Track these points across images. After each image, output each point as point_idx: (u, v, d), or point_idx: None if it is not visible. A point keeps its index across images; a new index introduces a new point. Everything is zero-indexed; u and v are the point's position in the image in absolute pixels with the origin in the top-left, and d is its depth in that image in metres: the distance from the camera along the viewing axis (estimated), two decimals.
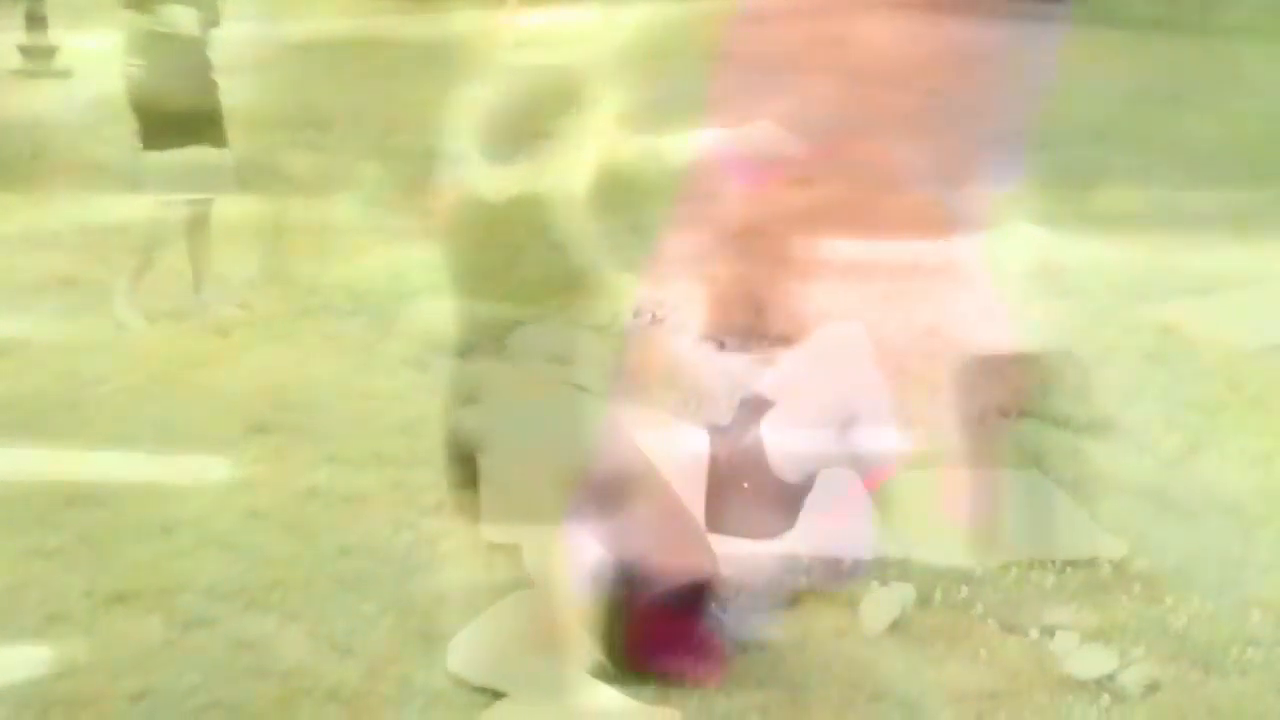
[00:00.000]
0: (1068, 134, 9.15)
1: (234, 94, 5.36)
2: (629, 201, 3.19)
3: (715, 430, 3.11)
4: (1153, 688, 2.92)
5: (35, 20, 11.94)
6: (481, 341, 2.86)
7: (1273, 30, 11.94)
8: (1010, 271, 3.64)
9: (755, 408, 3.09)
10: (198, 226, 5.27)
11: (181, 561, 3.33)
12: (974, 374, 3.69)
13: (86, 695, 2.79)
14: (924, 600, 3.23)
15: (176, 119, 4.99)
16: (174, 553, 3.37)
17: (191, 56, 5.06)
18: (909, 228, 5.51)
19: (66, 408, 4.29)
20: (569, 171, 2.84)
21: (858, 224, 5.09)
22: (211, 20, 5.12)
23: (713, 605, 2.86)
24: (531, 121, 2.83)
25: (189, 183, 5.10)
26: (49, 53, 11.93)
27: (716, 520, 3.03)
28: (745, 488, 2.99)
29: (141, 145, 5.06)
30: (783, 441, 2.99)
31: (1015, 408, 4.28)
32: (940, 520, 3.50)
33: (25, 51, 11.84)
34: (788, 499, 3.03)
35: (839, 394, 3.04)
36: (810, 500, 3.18)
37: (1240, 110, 9.92)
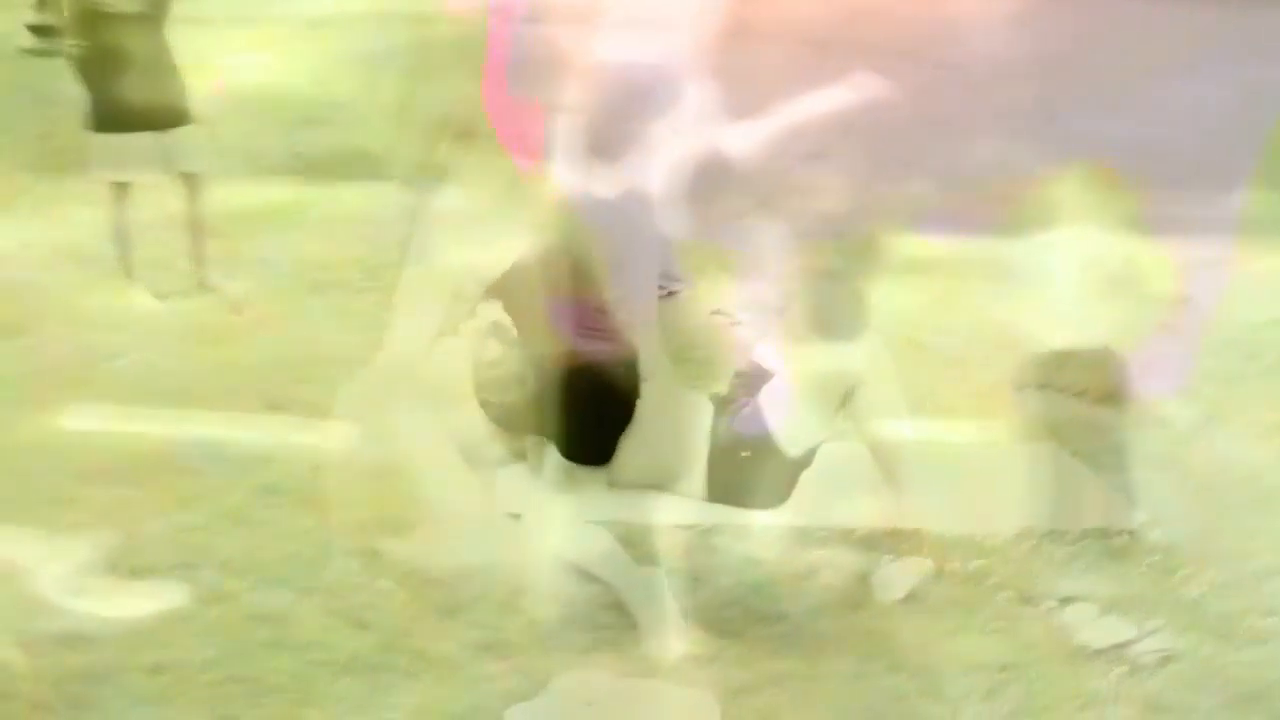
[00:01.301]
0: (1080, 104, 9.06)
1: (247, 73, 5.33)
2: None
3: (716, 399, 3.11)
4: (1169, 658, 2.92)
5: None
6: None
7: None
8: (1064, 268, 3.61)
9: (755, 377, 3.09)
10: (190, 205, 5.25)
11: (199, 536, 3.34)
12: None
13: (105, 668, 2.82)
14: (939, 572, 3.23)
15: (125, 100, 4.88)
16: (191, 527, 3.39)
17: (138, 34, 4.90)
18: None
19: (82, 383, 4.30)
20: (666, 167, 2.91)
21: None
22: None
23: None
24: (631, 121, 2.91)
25: (139, 165, 5.04)
26: (58, 30, 11.91)
27: (717, 489, 3.04)
28: (745, 457, 2.99)
29: (88, 126, 4.96)
30: (783, 411, 2.99)
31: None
32: (955, 491, 3.50)
33: (34, 30, 11.82)
34: (788, 470, 3.03)
35: (839, 363, 3.03)
36: (814, 472, 3.19)
37: (1255, 78, 9.82)
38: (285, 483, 3.62)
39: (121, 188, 5.10)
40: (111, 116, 4.92)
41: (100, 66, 4.89)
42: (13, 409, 4.09)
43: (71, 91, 5.02)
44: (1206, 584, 3.20)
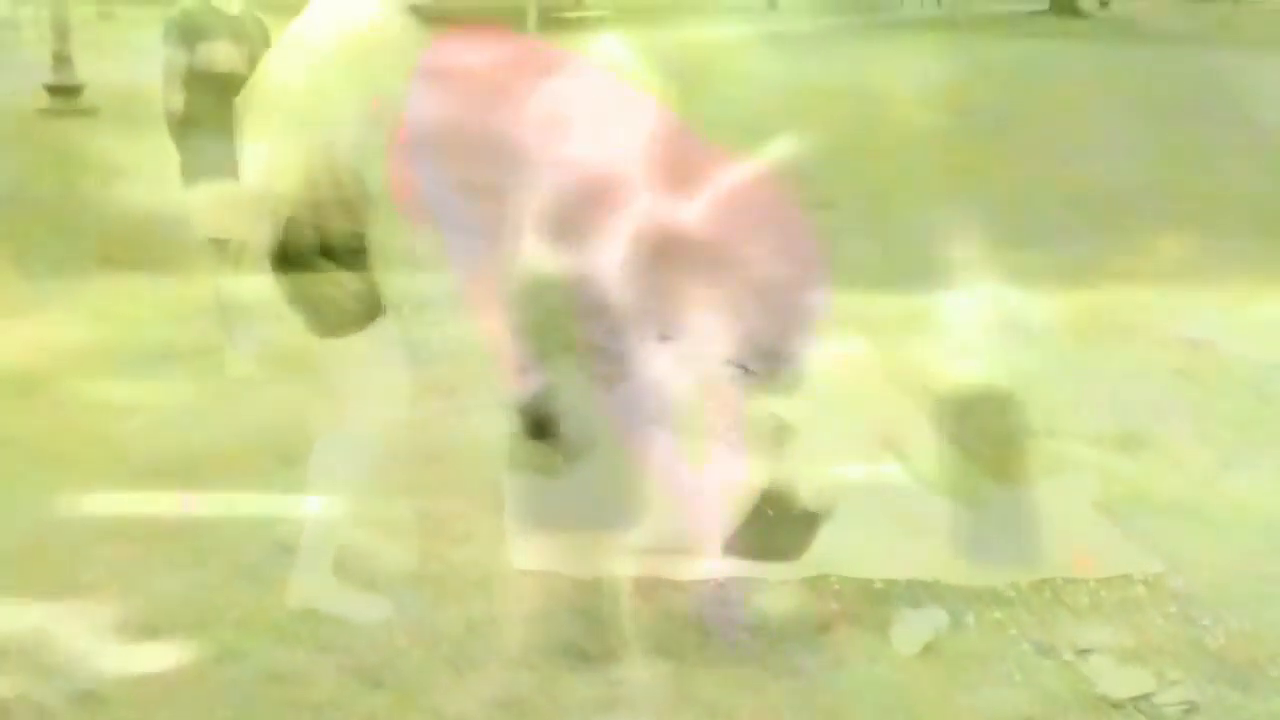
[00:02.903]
0: (1088, 148, 9.11)
1: None
2: None
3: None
4: (1191, 709, 2.88)
5: (61, 60, 12.13)
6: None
7: None
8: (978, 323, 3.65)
9: (780, 433, 3.10)
10: (235, 262, 5.28)
11: (212, 594, 3.34)
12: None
13: None
14: (957, 623, 3.20)
15: (216, 154, 4.98)
16: (205, 585, 3.38)
17: (233, 92, 5.04)
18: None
19: (96, 441, 4.31)
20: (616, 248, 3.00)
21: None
22: (258, 54, 5.10)
23: None
24: (587, 212, 3.00)
25: (233, 222, 5.08)
26: (75, 91, 12.10)
27: (740, 544, 3.04)
28: (770, 514, 3.00)
29: (183, 179, 5.07)
30: (808, 467, 3.00)
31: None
32: (969, 542, 3.48)
33: (52, 91, 12.00)
34: (809, 524, 3.04)
35: (864, 419, 3.05)
36: (834, 523, 3.18)
37: (1261, 120, 9.87)
38: (298, 540, 3.62)
39: (220, 245, 5.10)
40: (205, 167, 4.97)
41: (198, 125, 4.95)
42: (32, 459, 4.11)
43: (88, 151, 5.09)
44: (1228, 632, 3.16)
